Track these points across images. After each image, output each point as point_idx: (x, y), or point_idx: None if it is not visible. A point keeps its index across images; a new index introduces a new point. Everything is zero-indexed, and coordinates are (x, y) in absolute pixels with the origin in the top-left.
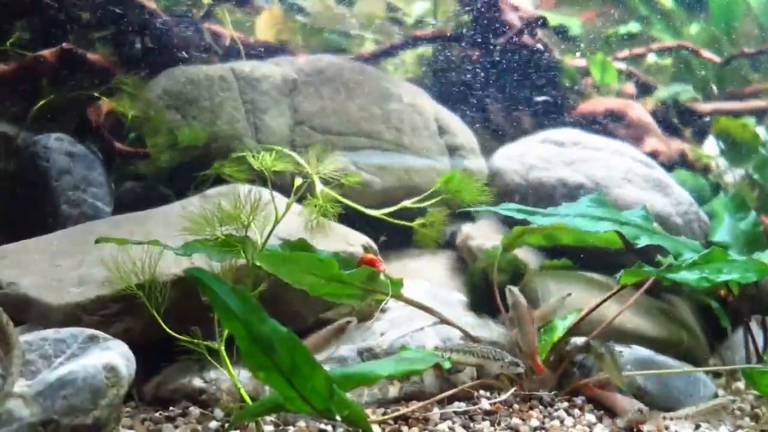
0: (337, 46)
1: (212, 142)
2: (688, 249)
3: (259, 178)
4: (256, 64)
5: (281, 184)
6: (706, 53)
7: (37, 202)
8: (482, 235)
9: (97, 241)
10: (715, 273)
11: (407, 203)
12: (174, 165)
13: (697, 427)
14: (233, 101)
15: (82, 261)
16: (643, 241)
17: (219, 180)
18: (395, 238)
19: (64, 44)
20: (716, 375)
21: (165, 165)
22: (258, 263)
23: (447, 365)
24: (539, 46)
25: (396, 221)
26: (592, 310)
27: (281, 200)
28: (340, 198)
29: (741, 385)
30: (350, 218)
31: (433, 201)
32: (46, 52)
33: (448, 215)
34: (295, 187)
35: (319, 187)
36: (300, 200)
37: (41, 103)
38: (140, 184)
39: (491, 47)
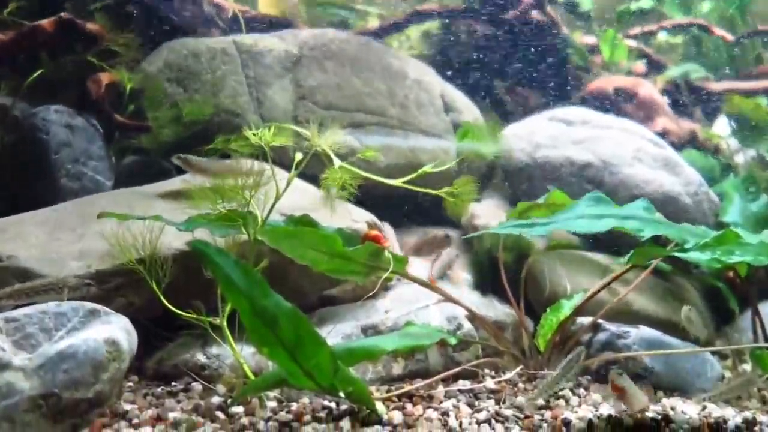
0: (341, 20)
1: (214, 116)
2: (693, 236)
3: (262, 153)
4: (259, 37)
5: (283, 160)
6: (719, 31)
7: (37, 175)
8: (488, 213)
9: (99, 216)
10: (727, 254)
11: (427, 168)
12: (175, 139)
13: (704, 408)
14: (235, 75)
15: (82, 235)
16: (647, 233)
17: (222, 155)
18: (400, 216)
19: (62, 14)
20: (723, 356)
21: (166, 139)
22: (260, 238)
23: (453, 342)
24: (549, 21)
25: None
26: (599, 290)
27: (283, 175)
28: (358, 171)
29: (747, 366)
30: (357, 196)
31: (455, 162)
32: (44, 22)
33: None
34: (295, 161)
35: (336, 162)
36: (308, 177)
37: (37, 73)
38: (141, 158)
39: (499, 23)
